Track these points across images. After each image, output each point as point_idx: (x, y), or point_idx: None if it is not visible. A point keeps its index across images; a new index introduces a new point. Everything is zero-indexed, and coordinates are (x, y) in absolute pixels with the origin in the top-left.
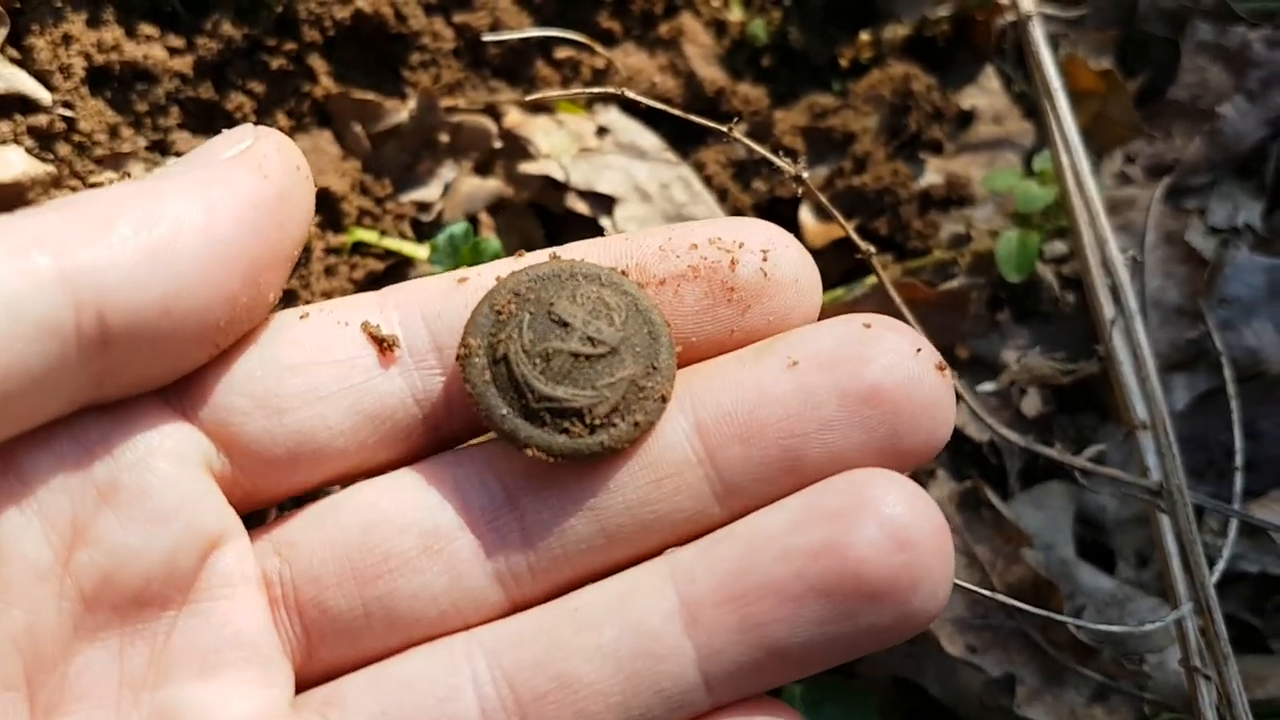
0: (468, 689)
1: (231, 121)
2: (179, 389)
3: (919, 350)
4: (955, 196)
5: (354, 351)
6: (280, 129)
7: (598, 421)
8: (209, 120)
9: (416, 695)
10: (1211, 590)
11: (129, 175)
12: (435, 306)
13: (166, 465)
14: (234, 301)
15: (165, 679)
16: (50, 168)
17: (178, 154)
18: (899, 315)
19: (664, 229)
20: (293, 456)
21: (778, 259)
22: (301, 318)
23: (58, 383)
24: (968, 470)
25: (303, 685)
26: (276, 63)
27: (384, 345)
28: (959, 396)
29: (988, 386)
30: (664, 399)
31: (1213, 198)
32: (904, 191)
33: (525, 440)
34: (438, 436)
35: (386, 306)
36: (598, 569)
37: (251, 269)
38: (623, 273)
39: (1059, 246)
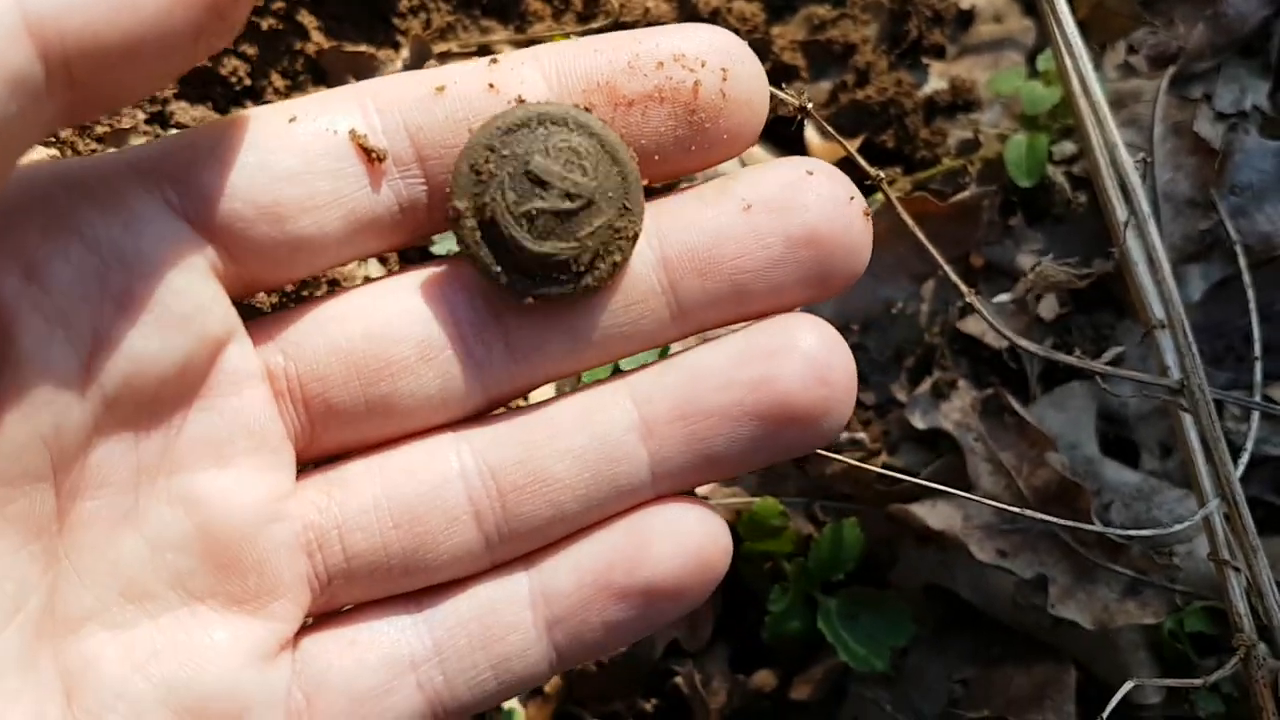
0: (457, 479)
1: (228, 87)
2: (184, 196)
3: (851, 198)
4: (961, 102)
5: (345, 161)
6: (275, 88)
7: (582, 269)
8: (205, 87)
9: (413, 481)
10: (1237, 484)
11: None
12: (416, 118)
13: (177, 274)
14: (198, 34)
15: (180, 466)
16: (53, 150)
17: (178, 125)
18: (908, 234)
19: (630, 37)
20: (291, 257)
21: (736, 77)
22: (290, 120)
23: (31, 124)
24: (988, 378)
25: (300, 466)
26: (267, 23)
27: (372, 157)
28: (976, 308)
29: (1004, 296)
30: (636, 236)
31: (1219, 82)
32: (909, 101)
33: (521, 291)
34: (418, 233)
35: (368, 111)
36: (566, 374)
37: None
38: (586, 109)
39: (1068, 147)
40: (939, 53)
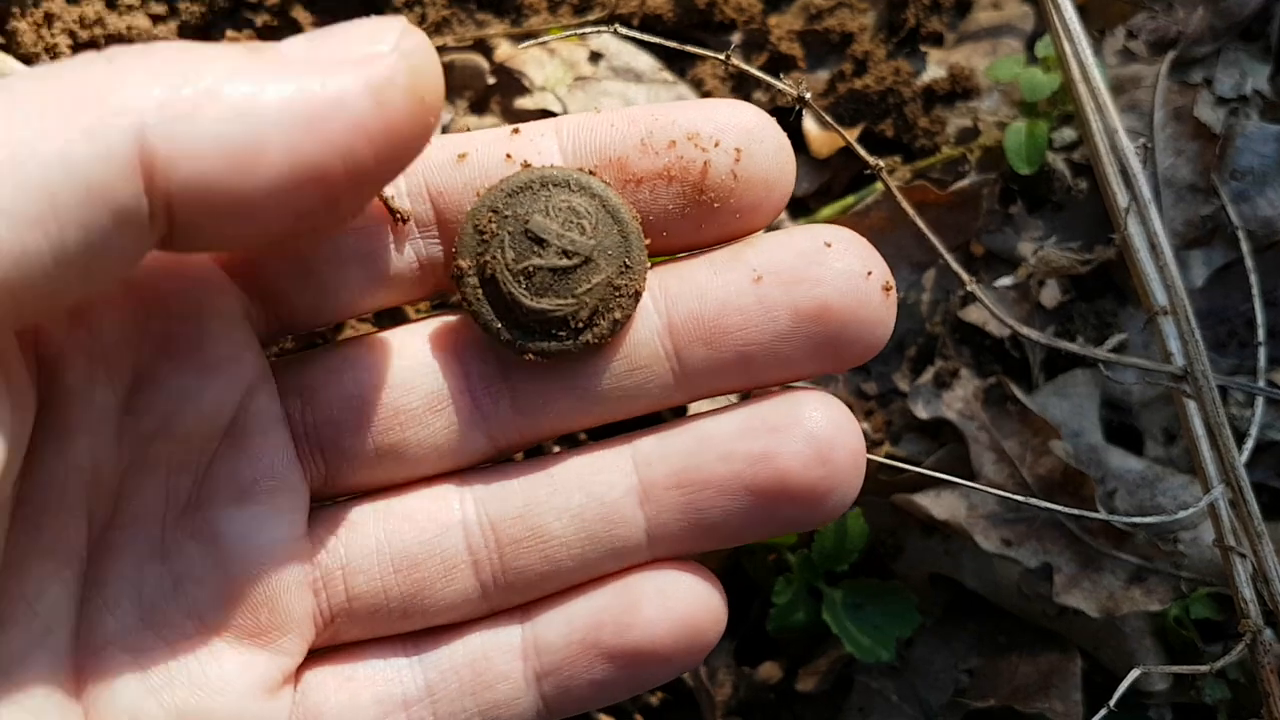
0: (457, 528)
1: None
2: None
3: (870, 273)
4: (960, 89)
5: (371, 219)
6: None
7: (581, 325)
8: None
9: (415, 529)
10: (1242, 471)
11: None
12: (438, 182)
13: (214, 320)
14: (302, 214)
15: (206, 504)
16: None
17: None
18: (909, 223)
19: (647, 114)
20: (316, 306)
21: (751, 156)
22: None
23: (130, 252)
24: (991, 366)
25: (313, 504)
26: (261, 19)
27: (397, 218)
28: (978, 297)
29: (1005, 281)
30: (638, 294)
31: (1219, 66)
32: (907, 90)
33: (521, 348)
34: (436, 288)
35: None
36: (570, 430)
37: (330, 194)
38: (591, 172)
39: (1068, 133)
40: (937, 40)
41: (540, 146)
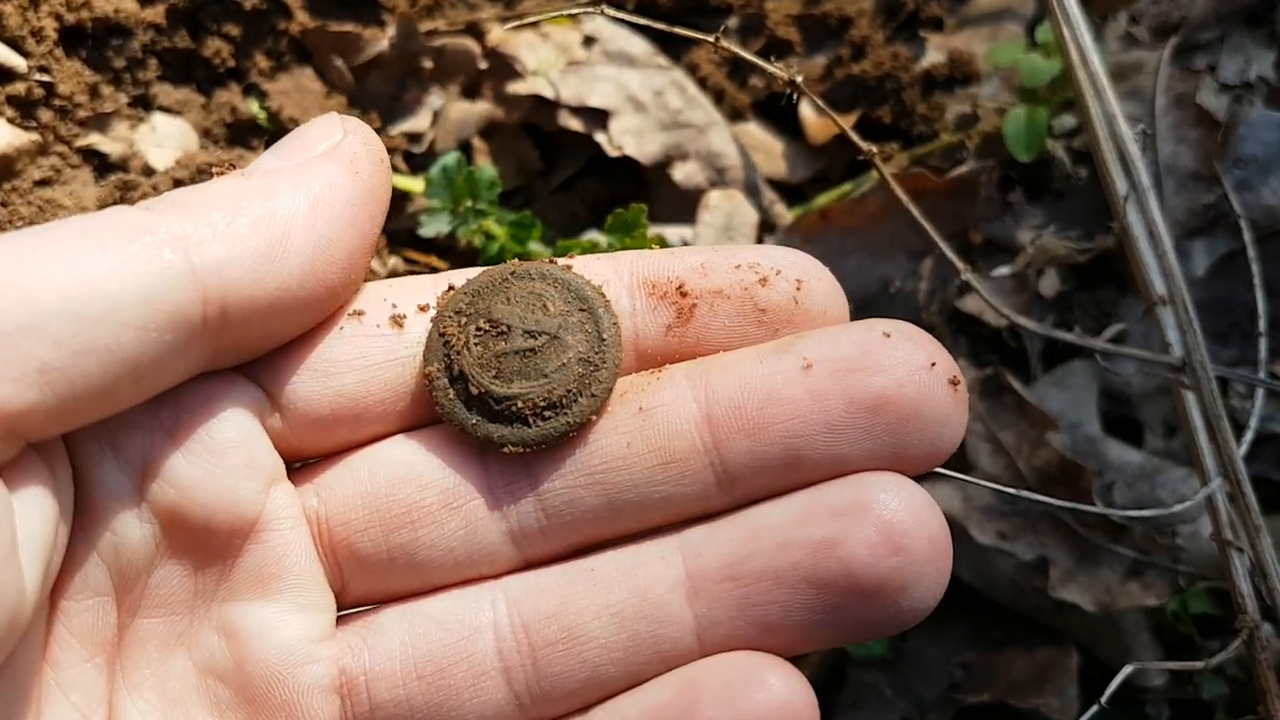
0: (488, 630)
1: (211, 69)
2: None
3: (933, 364)
4: (959, 75)
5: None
6: (259, 69)
7: (558, 403)
8: (188, 69)
9: (443, 630)
10: (1240, 464)
11: (131, 136)
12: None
13: (225, 409)
14: (333, 289)
15: (232, 595)
16: (35, 135)
17: (162, 108)
18: (906, 210)
19: (707, 250)
20: (335, 416)
21: (811, 289)
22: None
23: (182, 361)
24: (988, 357)
25: (341, 609)
26: (250, 2)
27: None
28: (973, 286)
29: (1004, 270)
30: (616, 365)
31: (1223, 52)
32: (906, 76)
33: (500, 441)
34: None
35: (424, 289)
36: (604, 537)
37: (348, 259)
38: (552, 261)
39: (1068, 120)
40: (937, 25)
41: (594, 270)
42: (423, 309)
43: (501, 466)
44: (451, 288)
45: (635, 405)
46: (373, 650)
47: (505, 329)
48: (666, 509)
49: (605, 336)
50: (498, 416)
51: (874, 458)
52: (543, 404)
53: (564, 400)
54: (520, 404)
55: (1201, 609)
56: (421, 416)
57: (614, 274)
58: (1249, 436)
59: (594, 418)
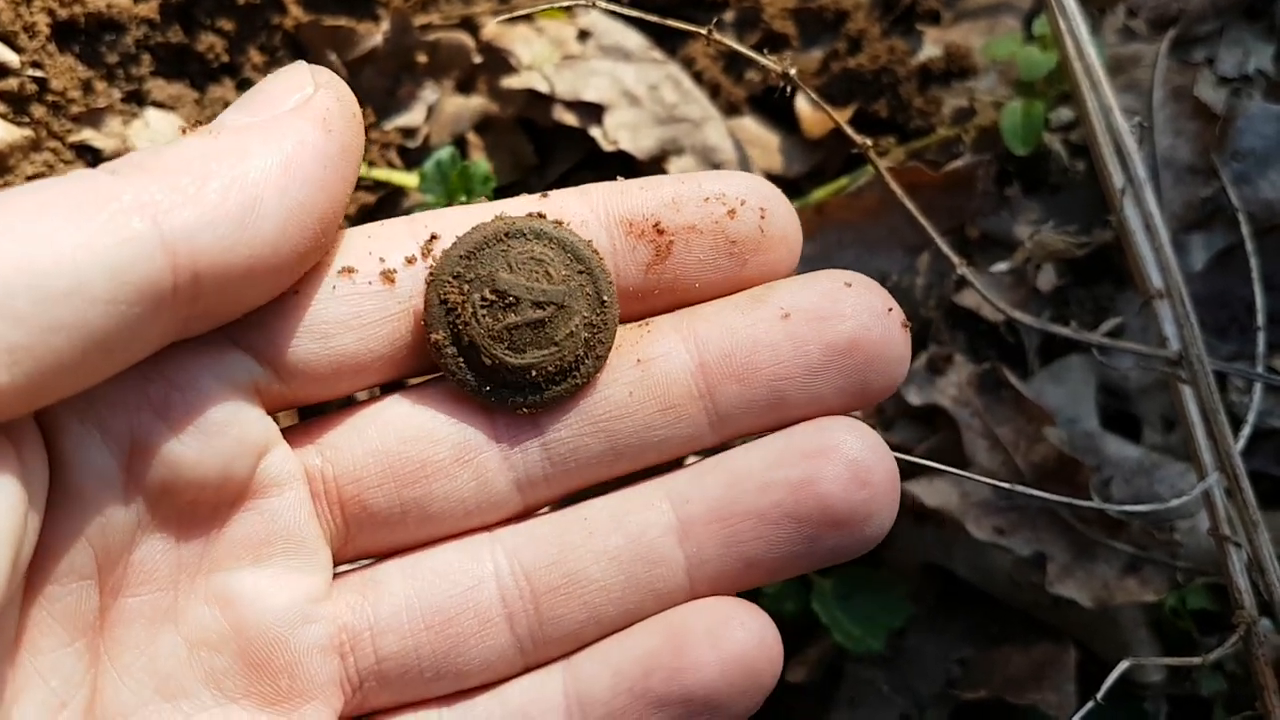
0: (490, 580)
1: (204, 64)
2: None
3: (889, 309)
4: (956, 69)
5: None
6: (253, 64)
7: (568, 368)
8: (182, 64)
9: (446, 583)
10: (1238, 458)
11: (128, 132)
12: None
13: (215, 384)
14: (305, 253)
15: (219, 565)
16: (28, 131)
17: (155, 104)
18: (902, 205)
19: (673, 181)
20: (336, 373)
21: (773, 216)
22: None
23: (152, 332)
24: (985, 352)
25: (338, 565)
26: None
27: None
28: (969, 280)
29: (1001, 266)
30: (615, 323)
31: (1221, 45)
32: (902, 69)
33: (513, 406)
34: None
35: (405, 238)
36: (601, 479)
37: (321, 223)
38: (541, 215)
39: (1065, 114)
40: (934, 19)
41: (571, 210)
42: (410, 261)
43: (508, 421)
44: (434, 236)
45: (633, 357)
46: (376, 606)
47: (514, 300)
48: (663, 449)
49: (605, 298)
50: (511, 384)
51: (842, 394)
52: (554, 370)
53: (573, 364)
54: (534, 373)
55: (1199, 605)
56: (417, 367)
57: (591, 214)
58: (1246, 431)
59: (596, 374)
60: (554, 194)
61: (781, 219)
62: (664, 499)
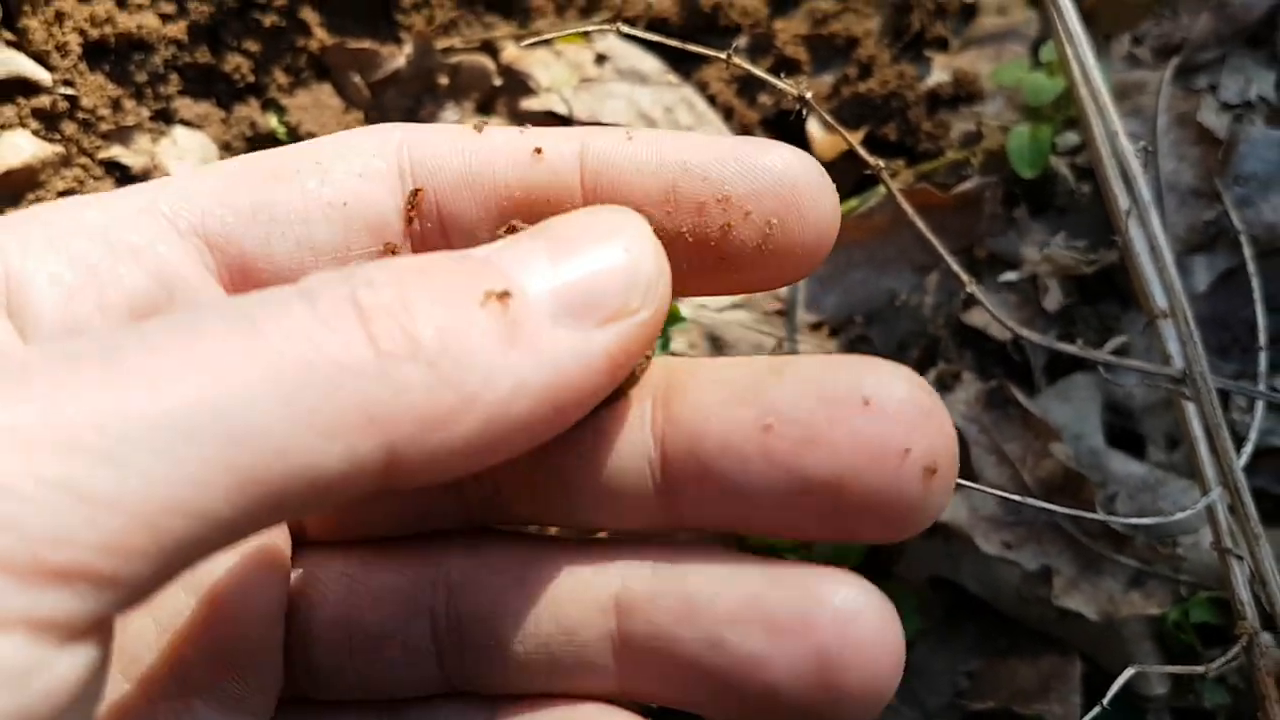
0: (424, 617)
1: (231, 84)
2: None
3: (908, 451)
4: (964, 94)
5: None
6: (279, 85)
7: None
8: (209, 84)
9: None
10: (1240, 474)
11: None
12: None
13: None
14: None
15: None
16: (58, 148)
17: (183, 122)
18: (911, 225)
19: (677, 160)
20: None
21: (786, 228)
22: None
23: (356, 493)
24: (993, 369)
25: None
26: (269, 19)
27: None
28: (977, 298)
29: (1009, 276)
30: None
31: (1224, 72)
32: (911, 94)
33: None
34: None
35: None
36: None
37: (536, 437)
38: None
39: (1071, 138)
40: (942, 45)
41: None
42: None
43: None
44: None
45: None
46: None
47: None
48: (607, 523)
49: None
50: None
51: (825, 530)
52: None
53: None
54: None
55: (1203, 618)
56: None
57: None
58: (1249, 448)
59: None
60: (548, 131)
61: (796, 231)
62: (611, 598)
